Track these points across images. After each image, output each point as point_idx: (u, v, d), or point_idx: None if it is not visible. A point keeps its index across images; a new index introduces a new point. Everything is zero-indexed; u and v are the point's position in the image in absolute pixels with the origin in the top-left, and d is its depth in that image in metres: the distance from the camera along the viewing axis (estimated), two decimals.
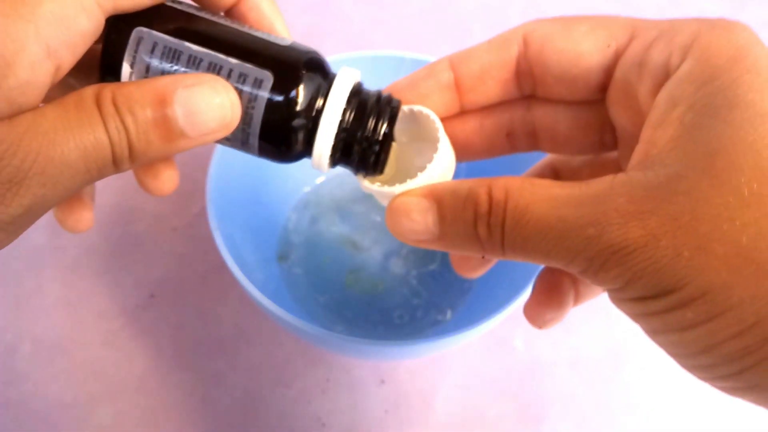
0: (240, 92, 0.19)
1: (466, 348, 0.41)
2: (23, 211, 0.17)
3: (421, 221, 0.19)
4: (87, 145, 0.17)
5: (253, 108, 0.19)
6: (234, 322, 0.42)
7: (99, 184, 0.47)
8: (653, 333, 0.18)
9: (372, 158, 0.21)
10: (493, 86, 0.22)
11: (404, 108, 0.22)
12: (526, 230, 0.17)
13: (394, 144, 0.22)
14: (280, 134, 0.20)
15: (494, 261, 0.25)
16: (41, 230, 0.45)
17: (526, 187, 0.18)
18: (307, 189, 0.45)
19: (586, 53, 0.20)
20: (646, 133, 0.18)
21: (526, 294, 0.32)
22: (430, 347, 0.32)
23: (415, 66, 0.38)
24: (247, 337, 0.41)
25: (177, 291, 0.43)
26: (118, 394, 0.39)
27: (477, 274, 0.26)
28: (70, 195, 0.18)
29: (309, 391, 0.39)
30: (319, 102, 0.20)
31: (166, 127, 0.18)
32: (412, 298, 0.41)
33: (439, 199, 0.19)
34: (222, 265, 0.33)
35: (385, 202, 0.21)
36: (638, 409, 0.39)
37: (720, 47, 0.17)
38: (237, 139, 0.21)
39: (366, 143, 0.21)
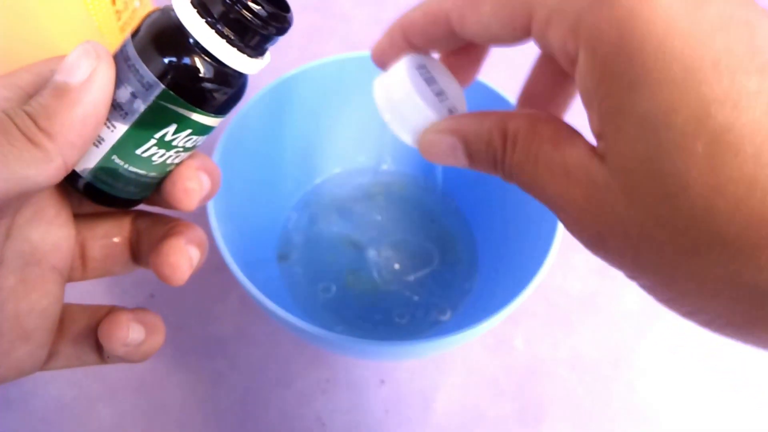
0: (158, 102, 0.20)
1: (466, 348, 0.41)
2: None
3: (451, 156, 0.21)
4: None
5: (178, 99, 0.20)
6: (234, 322, 0.42)
7: None
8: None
9: (259, 21, 0.20)
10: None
11: (414, 58, 0.22)
12: (524, 178, 0.19)
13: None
14: (208, 97, 0.21)
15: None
16: None
17: (531, 141, 0.19)
18: (307, 188, 0.45)
19: (499, 34, 0.20)
20: (588, 116, 0.18)
21: (526, 294, 0.32)
22: (430, 347, 0.32)
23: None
24: (247, 337, 0.41)
25: (177, 291, 0.43)
26: (118, 394, 0.39)
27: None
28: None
29: (309, 391, 0.39)
30: (187, 55, 0.20)
31: (53, 87, 0.19)
32: (412, 298, 0.41)
33: (464, 137, 0.20)
34: (222, 265, 0.33)
35: (404, 135, 0.22)
36: (638, 409, 0.39)
37: (603, 31, 0.16)
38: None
39: (248, 21, 0.20)
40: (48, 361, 0.23)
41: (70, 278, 0.24)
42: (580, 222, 0.18)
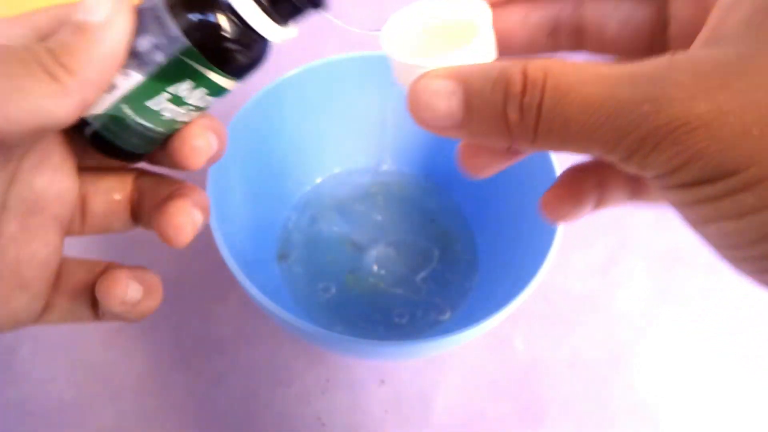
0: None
1: (466, 348, 0.41)
2: None
3: (444, 105, 0.18)
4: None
5: (190, 56, 0.20)
6: (234, 322, 0.42)
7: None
8: (702, 222, 0.16)
9: None
10: None
11: None
12: (568, 111, 0.16)
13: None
14: (229, 58, 0.20)
15: (513, 160, 0.23)
16: None
17: (568, 66, 0.16)
18: (307, 188, 0.45)
19: None
20: (712, 18, 0.16)
21: (526, 294, 0.32)
22: (430, 347, 0.32)
23: (414, 66, 0.38)
24: (247, 337, 0.41)
25: (177, 291, 0.43)
26: (118, 394, 0.39)
27: (487, 172, 0.23)
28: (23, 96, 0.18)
29: (309, 391, 0.39)
30: (215, 12, 0.20)
31: (73, 24, 0.19)
32: (411, 298, 0.41)
33: (466, 80, 0.18)
34: (222, 265, 0.33)
35: (406, 81, 0.19)
36: (638, 409, 0.39)
37: None
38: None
39: None
40: (43, 314, 0.23)
41: (69, 231, 0.24)
42: (692, 104, 0.15)
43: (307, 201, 0.45)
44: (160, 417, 0.38)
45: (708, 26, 0.17)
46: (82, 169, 0.24)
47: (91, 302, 0.24)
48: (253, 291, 0.31)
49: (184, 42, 0.20)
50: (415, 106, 0.18)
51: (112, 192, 0.25)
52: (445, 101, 0.18)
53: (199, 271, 0.44)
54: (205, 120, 0.23)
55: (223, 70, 0.21)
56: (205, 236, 0.45)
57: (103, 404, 0.39)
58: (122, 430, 0.38)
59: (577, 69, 0.16)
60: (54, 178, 0.22)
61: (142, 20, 0.20)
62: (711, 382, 0.40)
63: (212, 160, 0.24)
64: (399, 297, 0.42)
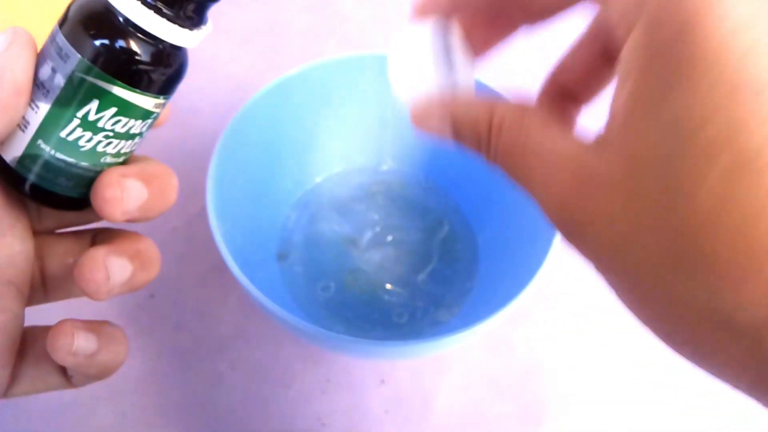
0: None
1: (466, 348, 0.41)
2: None
3: (439, 128, 0.22)
4: None
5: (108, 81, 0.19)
6: (234, 322, 0.42)
7: None
8: None
9: None
10: None
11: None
12: (510, 164, 0.19)
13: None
14: (125, 66, 0.19)
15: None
16: None
17: (519, 129, 0.19)
18: (307, 187, 0.45)
19: None
20: (615, 92, 0.17)
21: (526, 294, 0.32)
22: (430, 347, 0.32)
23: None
24: (247, 337, 0.41)
25: (177, 291, 0.43)
26: (118, 394, 0.39)
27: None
28: None
29: (309, 391, 0.39)
30: (103, 21, 0.19)
31: None
32: (411, 298, 0.41)
33: (454, 115, 0.21)
34: (222, 265, 0.33)
35: (402, 92, 0.23)
36: (638, 410, 0.39)
37: (670, 14, 0.15)
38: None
39: None
40: (11, 386, 0.22)
41: (32, 300, 0.23)
42: (563, 209, 0.17)
43: (307, 201, 0.45)
44: (160, 417, 0.38)
45: (612, 103, 0.17)
46: (41, 233, 0.23)
47: (60, 368, 0.23)
48: (253, 291, 0.31)
49: (76, 57, 0.19)
50: (415, 121, 0.23)
51: (68, 255, 0.24)
52: (439, 125, 0.22)
53: (199, 271, 0.44)
54: (129, 166, 0.21)
55: (124, 81, 0.20)
56: (205, 236, 0.45)
57: (103, 404, 0.39)
58: (122, 430, 0.38)
59: (522, 129, 0.19)
60: (3, 242, 0.21)
61: (45, 48, 0.20)
62: (711, 382, 0.40)
63: (142, 209, 0.22)
64: (399, 297, 0.42)
